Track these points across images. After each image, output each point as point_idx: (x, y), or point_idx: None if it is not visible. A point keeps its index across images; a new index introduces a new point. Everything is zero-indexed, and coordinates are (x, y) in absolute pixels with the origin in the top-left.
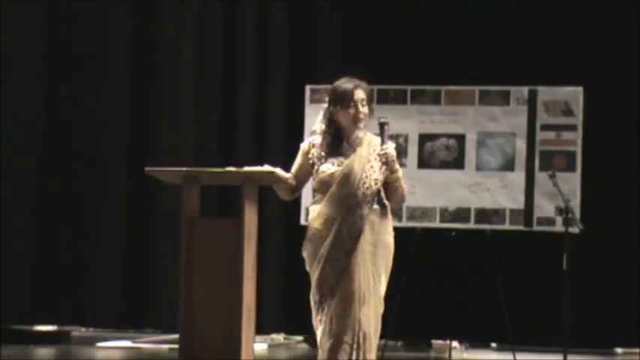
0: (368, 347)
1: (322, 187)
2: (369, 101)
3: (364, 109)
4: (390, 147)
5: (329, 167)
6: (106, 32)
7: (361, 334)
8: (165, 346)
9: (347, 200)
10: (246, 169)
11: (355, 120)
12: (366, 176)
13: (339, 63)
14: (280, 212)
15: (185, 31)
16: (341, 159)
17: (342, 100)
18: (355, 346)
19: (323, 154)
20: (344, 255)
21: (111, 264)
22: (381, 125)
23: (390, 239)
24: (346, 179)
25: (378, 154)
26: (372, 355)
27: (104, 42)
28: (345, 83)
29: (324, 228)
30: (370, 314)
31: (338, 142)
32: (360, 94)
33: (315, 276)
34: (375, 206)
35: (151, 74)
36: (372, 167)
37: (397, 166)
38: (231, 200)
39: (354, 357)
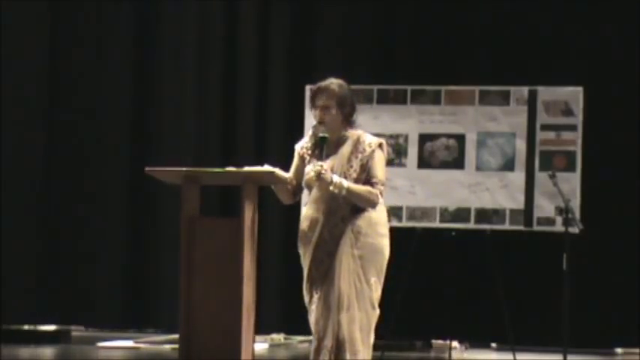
0: (350, 350)
1: (308, 189)
2: (343, 100)
3: (323, 114)
4: (324, 166)
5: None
6: (107, 32)
7: (341, 337)
8: (166, 346)
9: (328, 202)
10: (246, 169)
11: (319, 122)
12: (346, 177)
13: (339, 63)
14: (280, 212)
15: (185, 31)
16: (325, 160)
17: (311, 101)
18: (335, 349)
19: (309, 155)
20: (327, 257)
21: (111, 264)
22: (321, 139)
23: (381, 241)
24: (324, 185)
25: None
26: (360, 356)
27: (105, 42)
28: (317, 84)
29: (309, 230)
30: (355, 317)
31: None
32: (320, 100)
33: (304, 277)
34: (363, 208)
35: (152, 74)
36: (351, 167)
37: (335, 180)
38: (231, 200)
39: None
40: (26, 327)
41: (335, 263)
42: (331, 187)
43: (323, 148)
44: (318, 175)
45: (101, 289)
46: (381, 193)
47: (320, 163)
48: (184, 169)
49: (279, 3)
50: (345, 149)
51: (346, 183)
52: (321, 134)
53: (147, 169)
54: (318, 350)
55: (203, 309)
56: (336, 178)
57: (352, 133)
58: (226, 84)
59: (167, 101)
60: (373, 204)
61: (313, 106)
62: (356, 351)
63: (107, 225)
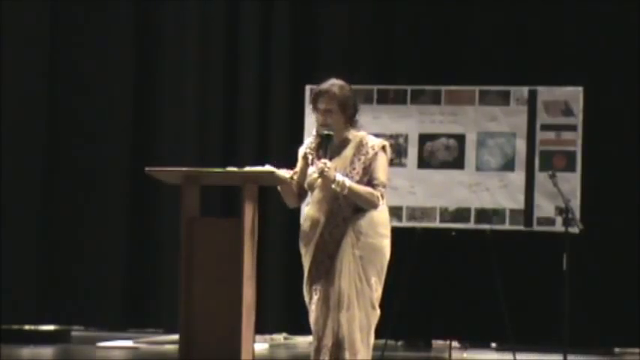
0: (351, 350)
1: (310, 190)
2: (345, 103)
3: (324, 118)
4: (327, 163)
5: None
6: (108, 32)
7: (341, 336)
8: (166, 346)
9: (330, 203)
10: (247, 169)
11: (321, 125)
12: (349, 178)
13: (339, 63)
14: (280, 212)
15: (187, 30)
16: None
17: (312, 104)
18: (335, 349)
19: (312, 156)
20: (327, 258)
21: (111, 264)
22: (323, 137)
23: (381, 241)
24: (327, 182)
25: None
26: (359, 356)
27: (106, 42)
28: (319, 87)
29: (310, 230)
30: (355, 317)
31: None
32: (322, 104)
33: (304, 278)
34: (364, 209)
35: (152, 74)
36: (354, 169)
37: (338, 179)
38: (231, 200)
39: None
40: (26, 327)
41: (335, 263)
42: (333, 185)
43: (327, 146)
44: (322, 173)
45: (101, 289)
46: (382, 195)
47: (324, 160)
48: (184, 169)
49: (280, 3)
50: (348, 151)
51: (348, 182)
52: (325, 132)
53: (147, 169)
54: (318, 350)
55: (203, 309)
56: (339, 177)
57: (355, 135)
58: (227, 84)
59: (167, 101)
60: (374, 205)
61: (315, 108)
62: (356, 351)
63: (107, 225)
